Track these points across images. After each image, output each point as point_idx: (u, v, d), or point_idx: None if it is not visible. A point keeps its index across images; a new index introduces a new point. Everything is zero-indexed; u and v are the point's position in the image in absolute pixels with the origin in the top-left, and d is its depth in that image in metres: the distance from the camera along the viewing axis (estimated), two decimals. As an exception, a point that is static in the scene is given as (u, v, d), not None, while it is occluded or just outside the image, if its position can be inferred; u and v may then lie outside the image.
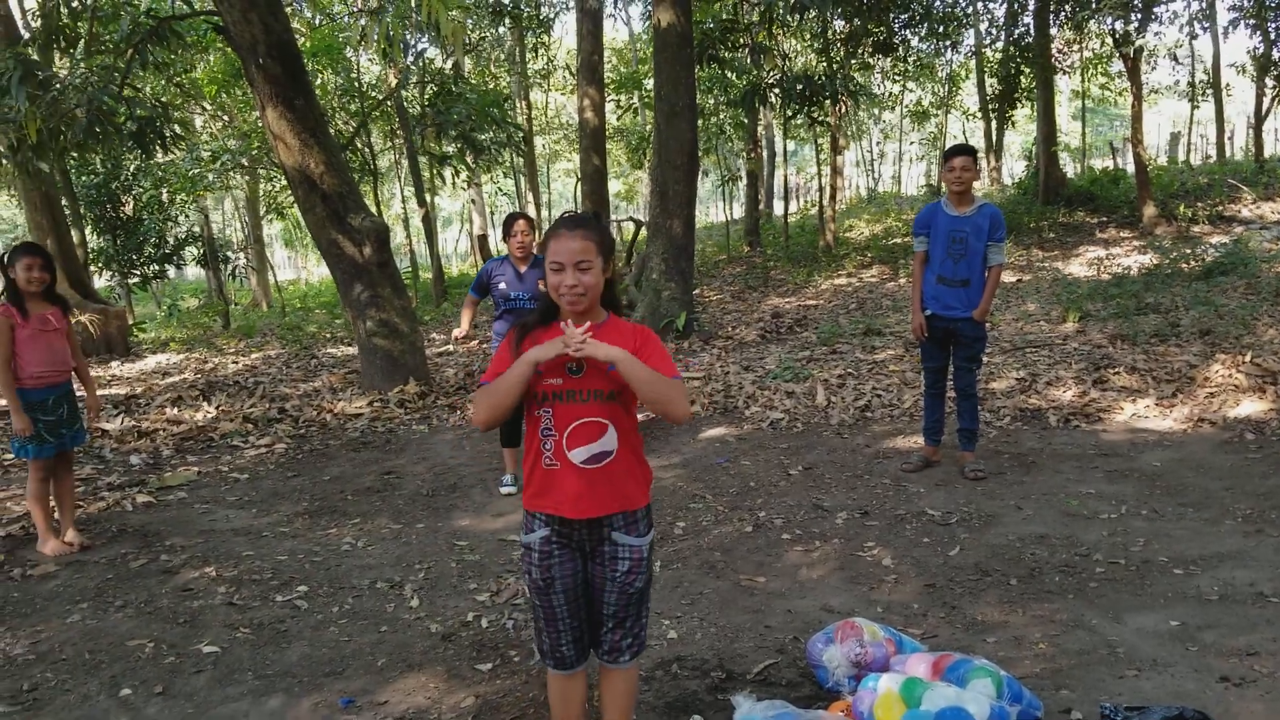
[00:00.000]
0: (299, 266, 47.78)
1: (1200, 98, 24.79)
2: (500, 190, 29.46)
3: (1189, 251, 13.93)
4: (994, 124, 29.49)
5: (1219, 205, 19.47)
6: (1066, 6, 19.88)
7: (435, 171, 12.48)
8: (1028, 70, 21.60)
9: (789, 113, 15.31)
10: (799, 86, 13.32)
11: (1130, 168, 26.43)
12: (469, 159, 11.35)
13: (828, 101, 14.08)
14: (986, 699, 3.41)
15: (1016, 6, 21.37)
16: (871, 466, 6.96)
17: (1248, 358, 8.34)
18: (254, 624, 4.81)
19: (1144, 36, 17.90)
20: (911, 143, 40.50)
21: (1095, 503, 5.95)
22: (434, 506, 6.67)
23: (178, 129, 11.03)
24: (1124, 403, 8.00)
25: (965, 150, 6.34)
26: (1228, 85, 25.63)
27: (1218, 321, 10.08)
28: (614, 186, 41.36)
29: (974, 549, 5.35)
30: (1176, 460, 6.69)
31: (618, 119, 24.51)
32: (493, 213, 40.04)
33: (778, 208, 31.92)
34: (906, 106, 31.18)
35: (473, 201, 28.32)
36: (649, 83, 21.86)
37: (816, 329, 12.61)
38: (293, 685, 4.17)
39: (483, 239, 25.24)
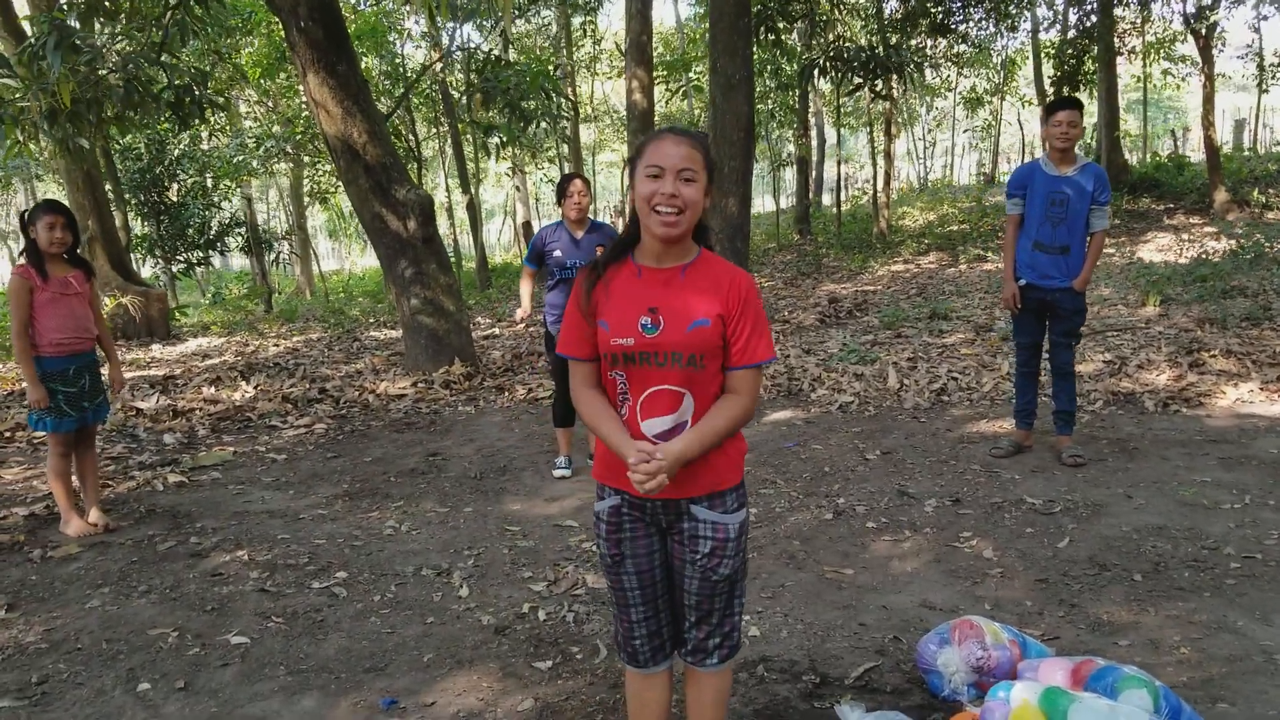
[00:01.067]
0: (343, 257, 47.74)
1: (1270, 82, 23.80)
2: (546, 178, 29.00)
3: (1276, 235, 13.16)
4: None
5: (1294, 192, 18.66)
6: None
7: (480, 145, 11.97)
8: (1091, 53, 20.78)
9: (849, 88, 14.65)
10: (863, 56, 12.70)
11: (1193, 156, 25.55)
12: (516, 130, 10.84)
13: (891, 75, 13.43)
14: (1145, 713, 2.87)
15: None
16: (957, 451, 6.39)
17: (1363, 339, 7.67)
18: (288, 613, 4.36)
19: (1217, 13, 17.08)
20: (964, 131, 39.55)
21: (1213, 491, 5.36)
22: (483, 489, 6.20)
23: (216, 98, 10.63)
24: (1225, 387, 7.37)
25: (1072, 104, 5.75)
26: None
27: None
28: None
29: (1085, 541, 4.78)
30: (1296, 447, 6.07)
31: (665, 104, 23.95)
32: (537, 200, 39.62)
33: (826, 198, 31.24)
34: (960, 93, 30.35)
35: (517, 189, 27.92)
36: (699, 67, 21.34)
37: (878, 313, 12.02)
38: (329, 682, 3.71)
39: (527, 227, 24.82)
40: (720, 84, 11.82)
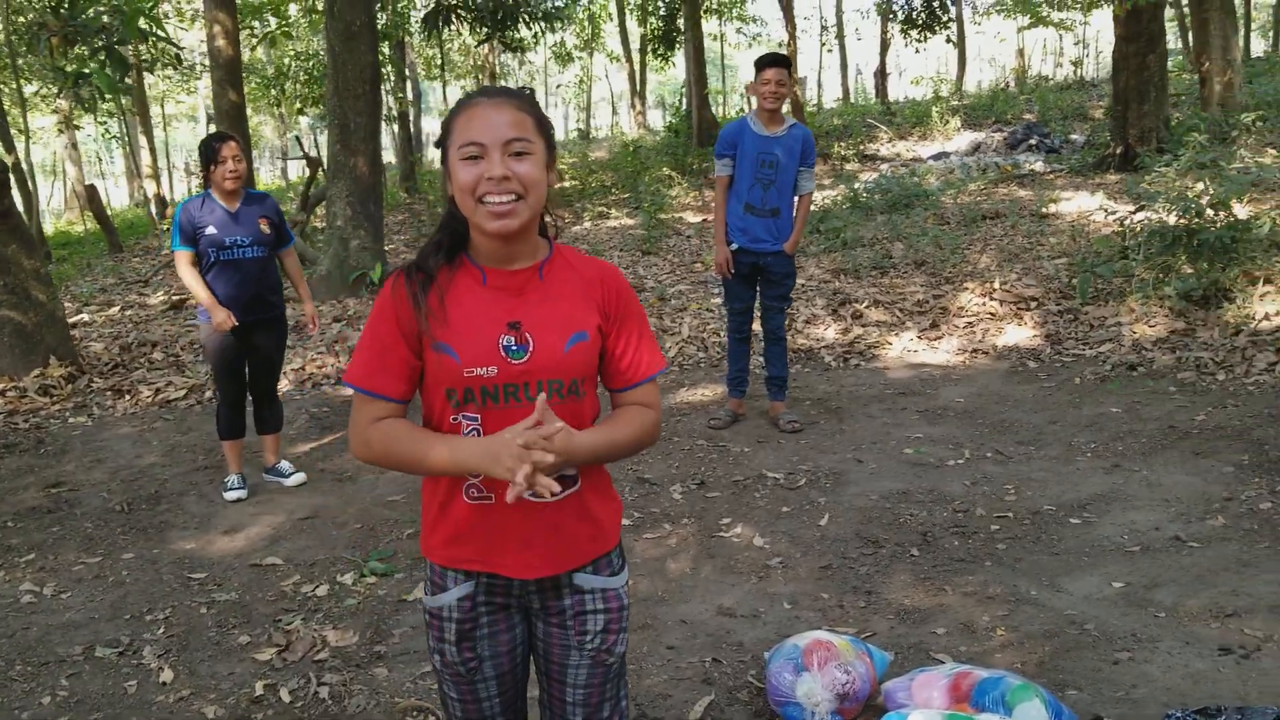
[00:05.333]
0: None
1: (833, 41, 25.99)
2: (105, 134, 25.56)
3: (874, 182, 14.17)
4: (638, 67, 29.53)
5: (861, 144, 20.44)
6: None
7: (66, 89, 9.93)
8: (681, 11, 21.48)
9: (479, 36, 13.94)
10: (491, 4, 12.05)
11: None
12: (115, 78, 9.03)
13: (523, 24, 12.92)
14: (1048, 728, 2.66)
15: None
16: (675, 426, 6.09)
17: (996, 285, 8.32)
18: (-86, 746, 3.18)
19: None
20: (557, 86, 39.90)
21: (932, 448, 5.45)
22: (138, 526, 5.03)
23: None
24: (889, 337, 7.70)
25: (780, 60, 5.58)
26: (856, 29, 27.11)
27: (933, 251, 10.12)
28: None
29: (843, 515, 4.64)
30: (977, 394, 6.38)
31: (251, 50, 21.76)
32: (99, 160, 35.09)
33: (427, 154, 30.21)
34: (550, 48, 30.45)
35: (73, 147, 24.38)
36: (293, 9, 19.64)
37: (523, 276, 11.57)
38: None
39: (91, 190, 21.76)
40: (339, 31, 10.81)
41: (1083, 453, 5.24)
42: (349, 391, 6.60)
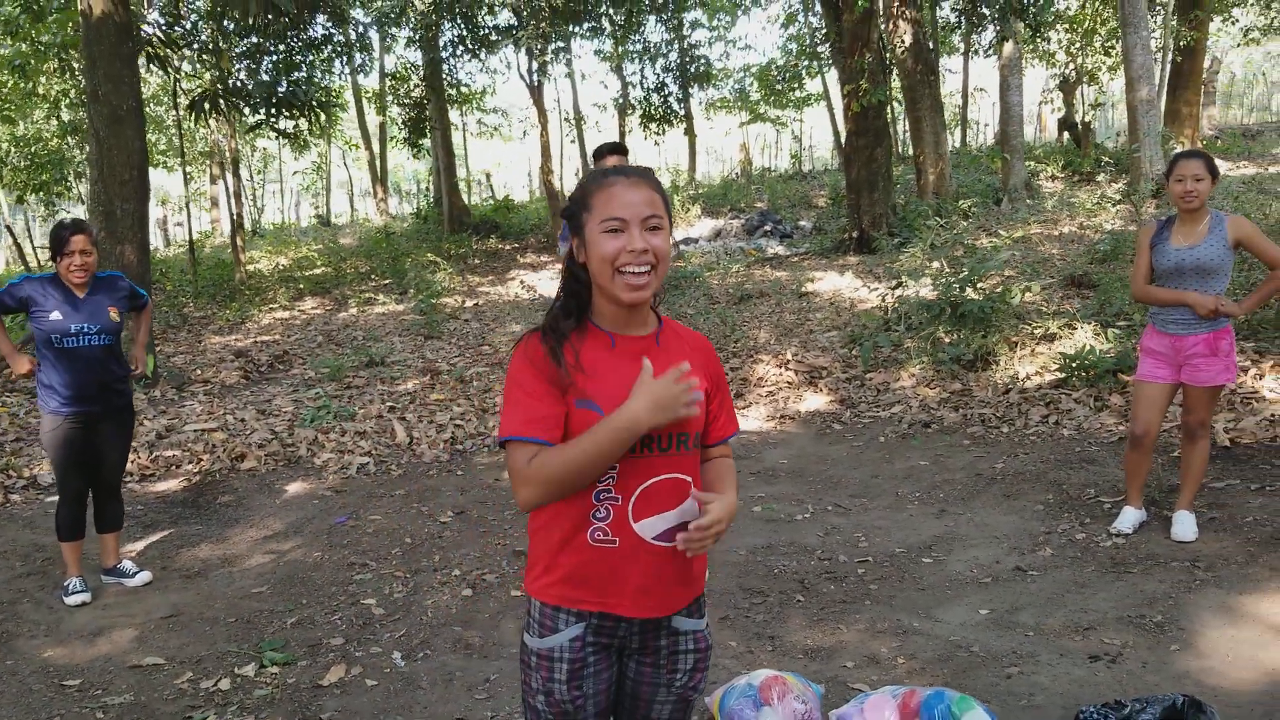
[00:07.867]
0: None
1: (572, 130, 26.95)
2: None
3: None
4: (378, 155, 29.43)
5: (611, 230, 21.23)
6: (467, 38, 20.27)
7: None
8: (429, 101, 21.74)
9: (255, 122, 13.61)
10: (264, 91, 11.81)
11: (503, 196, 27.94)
12: None
13: (303, 109, 12.72)
14: (998, 732, 3.02)
15: (416, 36, 21.32)
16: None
17: (789, 356, 8.97)
18: None
19: (553, 68, 18.91)
20: (294, 173, 38.86)
21: (780, 505, 5.86)
22: (-25, 640, 4.61)
23: None
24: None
25: (619, 148, 5.88)
26: (597, 122, 28.27)
27: (715, 328, 10.75)
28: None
29: (721, 570, 4.91)
30: (798, 455, 6.88)
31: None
32: None
33: (154, 239, 28.62)
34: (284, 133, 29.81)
35: None
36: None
37: (305, 365, 11.31)
38: None
39: None
40: (105, 115, 10.35)
41: (910, 501, 5.79)
42: (160, 487, 6.33)
